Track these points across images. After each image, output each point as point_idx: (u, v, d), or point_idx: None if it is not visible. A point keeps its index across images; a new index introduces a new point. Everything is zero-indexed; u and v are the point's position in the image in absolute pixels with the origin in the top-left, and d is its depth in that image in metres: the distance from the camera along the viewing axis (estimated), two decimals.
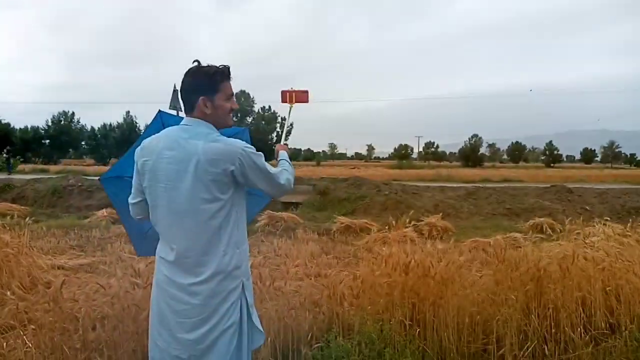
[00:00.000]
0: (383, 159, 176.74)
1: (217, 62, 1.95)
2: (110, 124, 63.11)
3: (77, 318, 2.98)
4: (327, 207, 11.84)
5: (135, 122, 63.30)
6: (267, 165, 1.97)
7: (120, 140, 59.95)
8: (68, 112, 63.66)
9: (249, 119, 59.50)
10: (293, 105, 3.02)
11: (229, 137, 2.37)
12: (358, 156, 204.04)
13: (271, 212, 10.03)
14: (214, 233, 1.87)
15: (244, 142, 2.02)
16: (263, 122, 59.10)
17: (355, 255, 7.26)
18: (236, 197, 1.93)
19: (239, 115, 58.21)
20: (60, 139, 60.31)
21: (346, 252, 7.71)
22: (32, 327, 2.94)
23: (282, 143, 2.49)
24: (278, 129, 61.90)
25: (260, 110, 60.61)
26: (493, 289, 3.64)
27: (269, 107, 61.55)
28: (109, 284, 3.49)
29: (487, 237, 8.26)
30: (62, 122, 62.63)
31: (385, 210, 11.20)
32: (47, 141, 61.23)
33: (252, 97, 60.04)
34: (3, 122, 60.34)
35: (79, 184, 13.27)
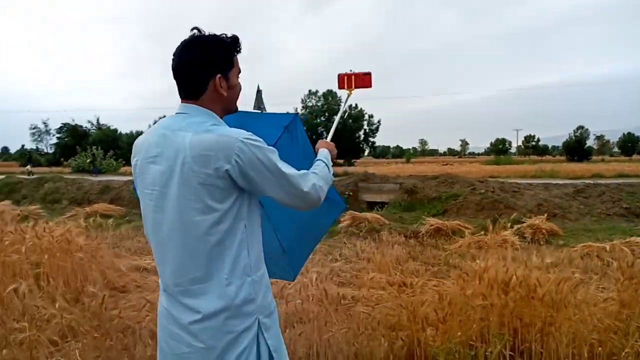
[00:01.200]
0: (478, 154, 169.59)
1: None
2: None
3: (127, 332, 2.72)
4: (416, 207, 11.10)
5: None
6: (282, 164, 1.43)
7: None
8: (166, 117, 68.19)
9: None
10: (352, 91, 2.51)
11: (273, 125, 1.88)
12: (451, 152, 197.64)
13: (354, 212, 9.55)
14: (211, 255, 1.37)
15: (280, 129, 1.56)
16: (350, 121, 58.81)
17: (446, 261, 6.58)
18: (243, 208, 1.42)
19: (326, 114, 58.46)
20: None
21: (436, 257, 7.04)
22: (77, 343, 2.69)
23: (327, 139, 1.93)
24: (365, 127, 61.22)
25: (347, 108, 60.29)
26: (619, 313, 2.94)
27: (356, 105, 61.08)
28: None
29: (601, 241, 7.19)
30: None
31: (481, 210, 10.26)
32: None
33: (339, 96, 60.06)
34: (111, 128, 65.96)
35: None
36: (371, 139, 63.05)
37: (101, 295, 3.13)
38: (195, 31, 1.46)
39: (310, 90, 61.39)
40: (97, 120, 67.86)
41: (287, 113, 1.98)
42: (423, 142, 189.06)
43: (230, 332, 1.38)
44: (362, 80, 2.46)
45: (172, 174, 1.36)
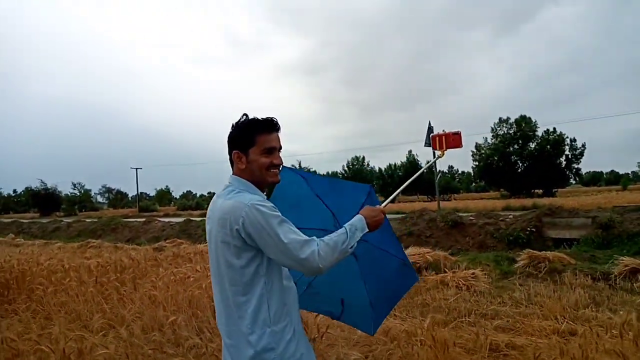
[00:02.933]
0: None
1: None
2: (395, 164, 68.06)
3: None
4: (612, 244, 9.70)
5: (417, 160, 66.35)
6: (285, 229, 1.61)
7: (404, 178, 63.72)
8: (359, 156, 71.53)
9: (532, 145, 54.83)
10: (444, 153, 2.56)
11: (360, 190, 2.08)
12: None
13: (532, 250, 8.80)
14: (236, 305, 1.67)
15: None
16: (548, 147, 53.62)
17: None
18: (262, 266, 1.67)
19: (520, 142, 54.44)
20: (355, 180, 67.72)
21: (627, 304, 6.10)
22: None
23: (382, 205, 1.96)
24: (567, 152, 54.87)
25: (544, 134, 55.26)
26: None
27: (554, 128, 55.50)
28: None
29: None
30: (355, 166, 70.53)
31: None
32: None
33: (534, 121, 55.46)
34: (310, 170, 71.88)
35: None
36: (575, 166, 56.18)
37: None
38: (244, 116, 1.79)
39: (500, 118, 58.05)
40: (299, 163, 74.63)
41: (364, 184, 2.14)
42: None
43: None
44: (453, 140, 2.50)
45: (212, 233, 1.73)
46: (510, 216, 12.83)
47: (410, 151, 69.39)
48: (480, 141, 58.57)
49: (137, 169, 62.67)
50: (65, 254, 9.63)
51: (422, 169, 2.71)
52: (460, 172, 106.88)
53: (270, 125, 1.77)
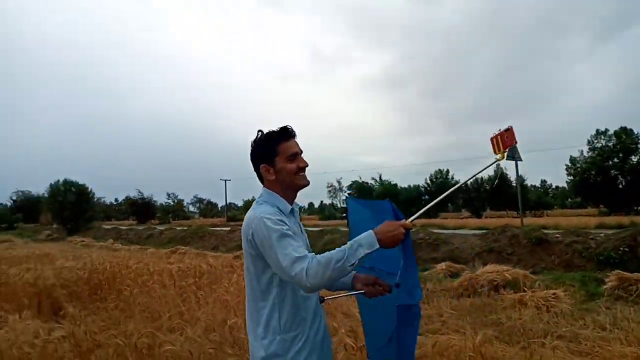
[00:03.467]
0: None
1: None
2: (482, 178, 65.18)
3: None
4: None
5: (506, 174, 63.33)
6: (283, 244, 1.64)
7: (491, 193, 61.05)
8: (443, 170, 69.30)
9: (635, 158, 50.33)
10: (504, 155, 2.20)
11: (387, 209, 1.94)
12: None
13: (622, 272, 8.12)
14: (252, 310, 1.77)
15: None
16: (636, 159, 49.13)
17: None
18: (275, 277, 1.74)
19: (620, 155, 50.27)
20: (438, 194, 65.61)
21: None
22: None
23: (409, 220, 1.78)
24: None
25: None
26: None
27: None
28: None
29: None
30: (439, 179, 68.51)
31: None
32: (426, 197, 67.99)
33: (635, 133, 50.92)
34: (391, 183, 71.12)
35: (427, 237, 14.16)
36: None
37: None
38: (259, 133, 1.88)
39: (598, 130, 54.01)
40: (380, 176, 74.22)
41: (384, 200, 2.01)
42: None
43: None
44: (508, 138, 2.17)
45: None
46: (602, 234, 11.91)
47: (498, 165, 66.25)
48: (575, 154, 54.93)
49: (226, 180, 65.57)
50: (152, 259, 10.37)
51: (470, 177, 2.51)
52: (554, 186, 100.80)
53: (287, 133, 1.86)
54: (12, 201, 74.41)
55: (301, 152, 1.90)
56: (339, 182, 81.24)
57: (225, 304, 5.51)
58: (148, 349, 3.62)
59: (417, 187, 70.37)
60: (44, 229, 44.32)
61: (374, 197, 57.91)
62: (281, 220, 1.73)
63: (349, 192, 73.45)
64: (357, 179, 73.39)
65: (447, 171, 69.72)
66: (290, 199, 1.89)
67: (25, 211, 65.87)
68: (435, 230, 16.71)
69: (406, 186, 71.50)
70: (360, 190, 70.57)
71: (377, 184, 73.45)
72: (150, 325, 4.34)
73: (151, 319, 5.30)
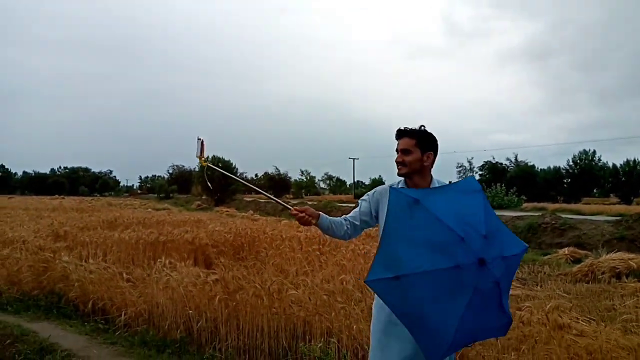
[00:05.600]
0: None
1: None
2: (635, 160, 57.73)
3: None
4: None
5: None
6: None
7: None
8: (589, 150, 62.66)
9: None
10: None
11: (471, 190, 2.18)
12: None
13: None
14: None
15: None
16: None
17: None
18: None
19: None
20: (582, 177, 60.00)
21: None
22: None
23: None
24: None
25: None
26: None
27: None
28: None
29: None
30: (583, 161, 62.27)
31: None
32: (568, 180, 62.43)
33: None
34: (529, 164, 66.41)
35: (553, 222, 13.73)
36: None
37: None
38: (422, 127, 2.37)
39: None
40: (516, 157, 69.94)
41: (466, 178, 2.21)
42: None
43: None
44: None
45: None
46: None
47: None
48: None
49: (354, 159, 67.30)
50: (285, 227, 11.79)
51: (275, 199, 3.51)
52: None
53: (399, 133, 2.41)
54: (168, 174, 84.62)
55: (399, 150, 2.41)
56: (469, 162, 78.18)
57: (342, 267, 6.42)
58: (278, 293, 4.67)
59: (557, 169, 64.81)
60: (195, 199, 49.84)
61: (507, 178, 54.63)
62: (369, 192, 2.69)
63: (480, 172, 70.15)
64: (490, 159, 69.79)
65: (594, 152, 62.80)
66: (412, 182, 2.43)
67: (180, 183, 74.21)
68: (564, 215, 16.03)
69: (545, 168, 66.29)
70: (492, 171, 67.17)
71: (512, 164, 69.25)
72: (280, 277, 5.41)
73: (281, 275, 6.44)
